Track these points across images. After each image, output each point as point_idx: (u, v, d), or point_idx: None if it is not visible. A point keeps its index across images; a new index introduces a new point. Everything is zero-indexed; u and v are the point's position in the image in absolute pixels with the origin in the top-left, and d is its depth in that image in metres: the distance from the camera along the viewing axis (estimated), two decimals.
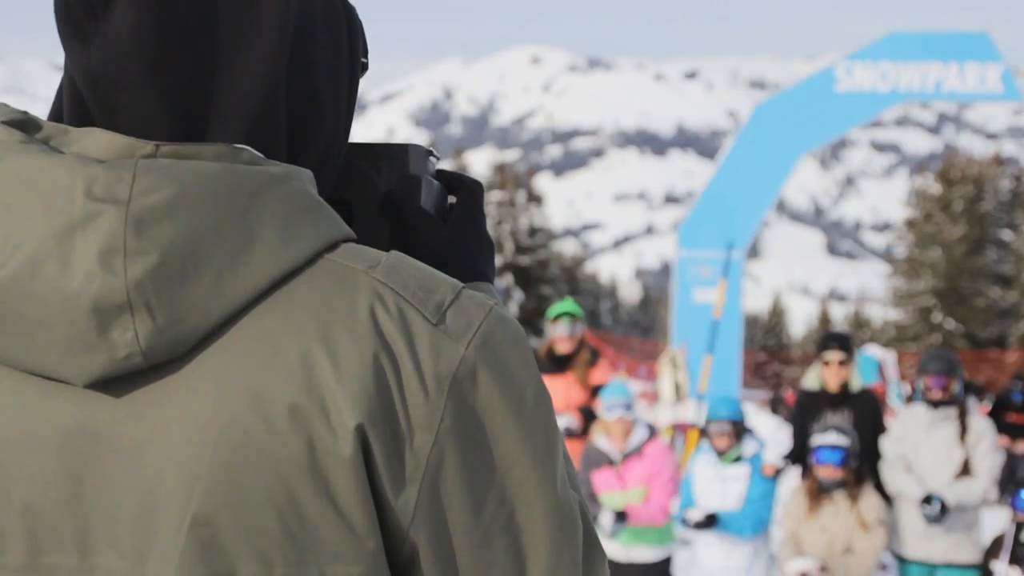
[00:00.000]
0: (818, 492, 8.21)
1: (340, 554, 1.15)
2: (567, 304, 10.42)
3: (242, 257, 1.16)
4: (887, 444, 9.00)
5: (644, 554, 8.69)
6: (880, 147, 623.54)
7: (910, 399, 9.59)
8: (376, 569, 1.17)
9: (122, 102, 1.22)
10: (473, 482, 1.19)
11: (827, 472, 8.15)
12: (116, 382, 1.17)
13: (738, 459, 8.62)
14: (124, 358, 1.14)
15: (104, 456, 1.17)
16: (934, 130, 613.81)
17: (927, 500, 8.39)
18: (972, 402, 8.98)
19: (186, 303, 1.14)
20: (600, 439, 8.78)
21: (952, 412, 8.71)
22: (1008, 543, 8.16)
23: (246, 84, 1.25)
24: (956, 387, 8.77)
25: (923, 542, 8.66)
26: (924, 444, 8.72)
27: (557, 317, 10.22)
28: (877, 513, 8.09)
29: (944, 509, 8.35)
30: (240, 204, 1.16)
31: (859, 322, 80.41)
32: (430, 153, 1.50)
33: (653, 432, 9.04)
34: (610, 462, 8.67)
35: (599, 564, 1.30)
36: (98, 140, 1.20)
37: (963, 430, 8.67)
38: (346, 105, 1.38)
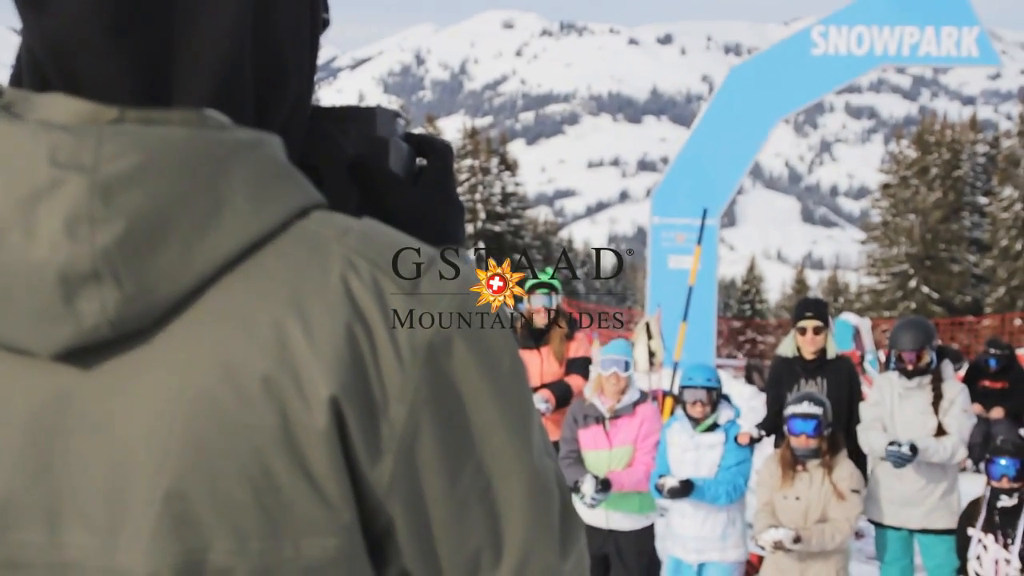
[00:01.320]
0: (793, 461, 8.13)
1: (315, 526, 1.13)
2: (545, 276, 10.22)
3: (211, 225, 1.13)
4: (864, 409, 8.99)
5: (624, 522, 8.60)
6: (856, 112, 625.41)
7: (885, 366, 9.46)
8: (352, 541, 1.15)
9: (82, 68, 1.17)
10: (449, 452, 1.17)
11: (801, 442, 8.07)
12: (84, 354, 1.13)
13: (713, 427, 8.49)
14: (91, 328, 1.11)
15: (72, 430, 1.14)
16: (910, 95, 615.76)
17: (893, 443, 8.38)
18: (947, 368, 8.87)
19: (154, 272, 1.11)
20: (592, 396, 8.70)
21: (926, 380, 8.70)
22: (983, 510, 8.11)
23: (210, 46, 1.20)
24: (929, 356, 8.73)
25: (900, 509, 8.66)
26: (899, 411, 8.73)
27: (534, 288, 10.04)
28: (851, 482, 8.03)
29: (913, 450, 8.32)
30: (209, 171, 1.13)
31: (835, 288, 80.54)
32: (397, 115, 1.46)
33: (645, 395, 8.95)
34: (599, 419, 8.59)
35: (576, 533, 1.29)
36: (61, 106, 1.16)
37: (937, 397, 8.66)
38: (309, 64, 1.33)
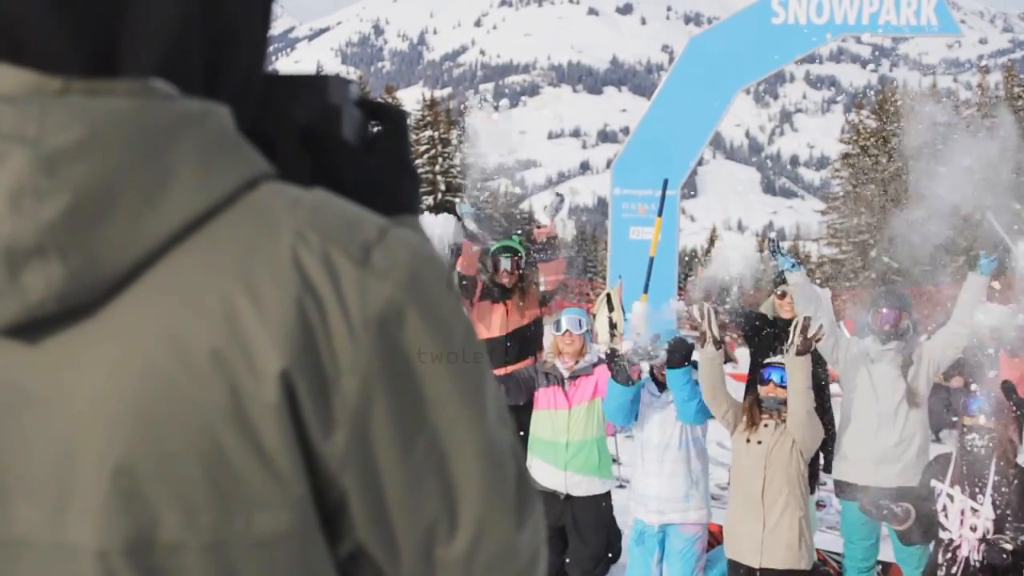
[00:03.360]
0: (758, 412, 8.20)
1: (266, 501, 1.13)
2: (511, 241, 10.41)
3: (159, 197, 1.11)
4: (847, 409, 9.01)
5: (581, 485, 8.72)
6: (816, 82, 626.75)
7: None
8: (304, 515, 1.15)
9: (27, 38, 1.13)
10: (402, 424, 1.16)
11: (770, 389, 8.14)
12: (31, 329, 1.12)
13: None
14: (37, 303, 1.09)
15: (20, 406, 1.13)
16: (869, 64, 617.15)
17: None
18: (918, 338, 8.95)
19: (101, 245, 1.10)
20: (552, 357, 8.87)
21: (899, 345, 8.80)
22: (952, 464, 8.03)
23: (157, 14, 1.17)
24: (906, 323, 8.87)
25: (877, 467, 8.73)
26: (872, 377, 8.82)
27: (498, 253, 10.39)
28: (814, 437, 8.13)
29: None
30: (155, 143, 1.12)
31: (796, 259, 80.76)
32: (349, 83, 1.42)
33: (603, 360, 9.02)
34: (558, 381, 8.74)
35: (531, 502, 1.28)
36: (5, 76, 1.13)
37: (907, 363, 8.80)
38: (261, 32, 1.31)
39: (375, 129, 1.44)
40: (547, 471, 8.59)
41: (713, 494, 9.02)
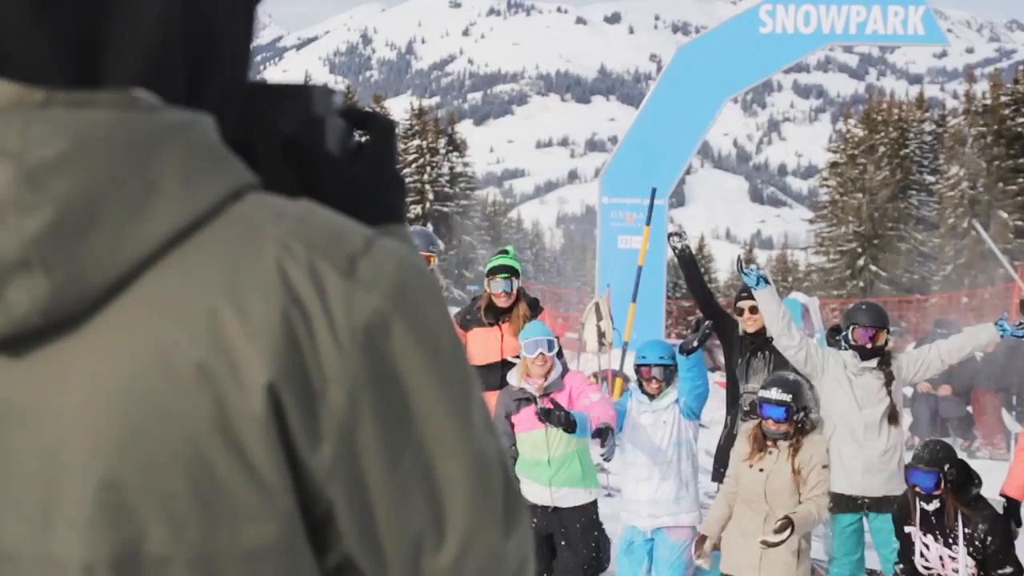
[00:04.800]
0: (763, 439, 8.23)
1: (253, 514, 1.12)
2: (506, 258, 10.10)
3: (143, 209, 1.10)
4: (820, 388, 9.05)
5: (568, 498, 8.66)
6: (803, 91, 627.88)
7: (835, 345, 9.60)
8: (291, 527, 1.15)
9: (9, 50, 1.13)
10: (389, 435, 1.16)
11: (770, 425, 8.18)
12: (15, 344, 1.11)
13: (668, 406, 8.63)
14: (22, 317, 1.09)
15: (5, 419, 1.12)
16: (857, 73, 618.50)
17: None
18: (896, 351, 9.02)
19: (86, 258, 1.09)
20: (520, 381, 8.73)
21: (878, 360, 8.88)
22: (916, 511, 8.09)
23: (140, 24, 1.16)
24: (884, 338, 8.91)
25: (863, 477, 8.80)
26: (852, 392, 8.88)
27: (495, 272, 9.95)
28: (818, 459, 8.15)
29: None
30: (139, 154, 1.11)
31: (784, 267, 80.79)
32: (332, 93, 1.40)
33: (567, 368, 9.01)
34: (531, 400, 8.62)
35: (518, 511, 1.27)
36: None
37: (889, 378, 8.86)
38: (245, 41, 1.30)
39: (362, 138, 1.42)
40: (533, 489, 8.53)
41: (701, 502, 9.03)
